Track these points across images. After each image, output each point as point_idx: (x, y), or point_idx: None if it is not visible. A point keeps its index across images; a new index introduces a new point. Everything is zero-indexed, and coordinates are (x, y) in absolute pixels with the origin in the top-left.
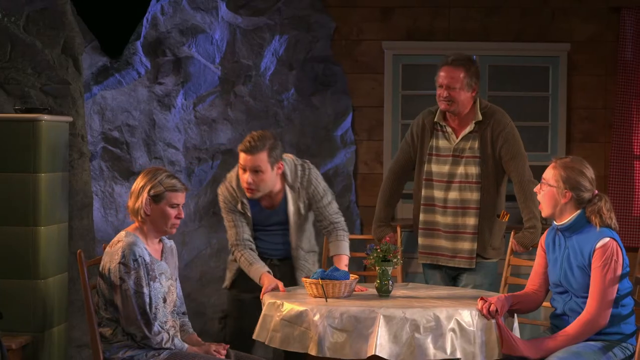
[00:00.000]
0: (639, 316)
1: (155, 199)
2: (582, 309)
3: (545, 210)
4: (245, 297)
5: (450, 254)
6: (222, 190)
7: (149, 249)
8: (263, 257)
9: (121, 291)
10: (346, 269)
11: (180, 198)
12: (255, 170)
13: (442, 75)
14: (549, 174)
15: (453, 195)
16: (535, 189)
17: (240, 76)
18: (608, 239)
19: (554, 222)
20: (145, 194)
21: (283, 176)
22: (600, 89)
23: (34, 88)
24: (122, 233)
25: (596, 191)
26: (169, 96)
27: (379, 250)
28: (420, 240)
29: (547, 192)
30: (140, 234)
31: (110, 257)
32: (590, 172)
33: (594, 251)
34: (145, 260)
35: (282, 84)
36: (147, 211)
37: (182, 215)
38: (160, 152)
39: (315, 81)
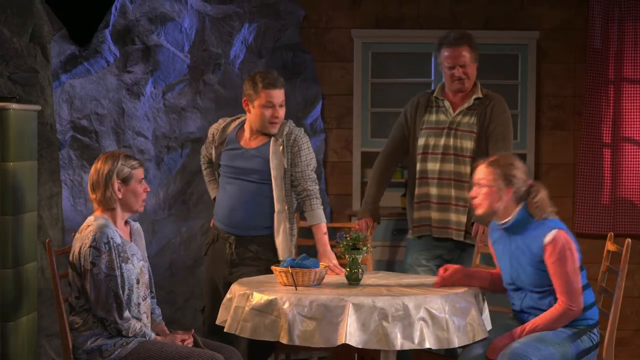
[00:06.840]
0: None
1: (125, 181)
2: (540, 305)
3: (482, 209)
4: (219, 285)
5: (440, 225)
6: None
7: (119, 231)
8: (222, 231)
9: (92, 275)
10: (326, 236)
11: (142, 173)
12: (281, 105)
13: (450, 56)
14: (482, 173)
15: (448, 167)
16: (470, 194)
17: (209, 64)
18: (555, 230)
19: (494, 222)
20: (114, 180)
21: None
22: (569, 76)
23: (2, 76)
24: (91, 218)
25: (529, 181)
26: (138, 84)
27: (348, 238)
28: (415, 214)
29: (486, 192)
30: (109, 217)
31: (81, 242)
32: (520, 164)
33: (544, 248)
34: (116, 242)
35: (252, 72)
36: (120, 195)
37: (149, 189)
38: (129, 140)
39: (285, 69)
